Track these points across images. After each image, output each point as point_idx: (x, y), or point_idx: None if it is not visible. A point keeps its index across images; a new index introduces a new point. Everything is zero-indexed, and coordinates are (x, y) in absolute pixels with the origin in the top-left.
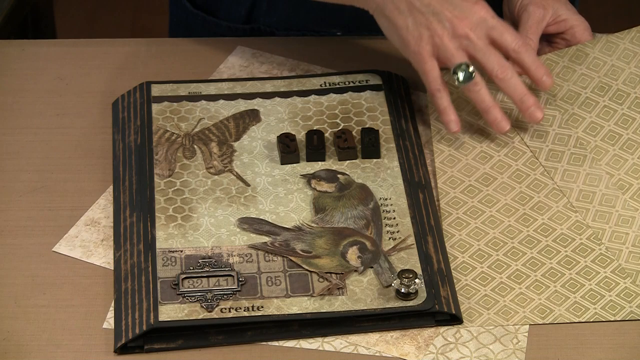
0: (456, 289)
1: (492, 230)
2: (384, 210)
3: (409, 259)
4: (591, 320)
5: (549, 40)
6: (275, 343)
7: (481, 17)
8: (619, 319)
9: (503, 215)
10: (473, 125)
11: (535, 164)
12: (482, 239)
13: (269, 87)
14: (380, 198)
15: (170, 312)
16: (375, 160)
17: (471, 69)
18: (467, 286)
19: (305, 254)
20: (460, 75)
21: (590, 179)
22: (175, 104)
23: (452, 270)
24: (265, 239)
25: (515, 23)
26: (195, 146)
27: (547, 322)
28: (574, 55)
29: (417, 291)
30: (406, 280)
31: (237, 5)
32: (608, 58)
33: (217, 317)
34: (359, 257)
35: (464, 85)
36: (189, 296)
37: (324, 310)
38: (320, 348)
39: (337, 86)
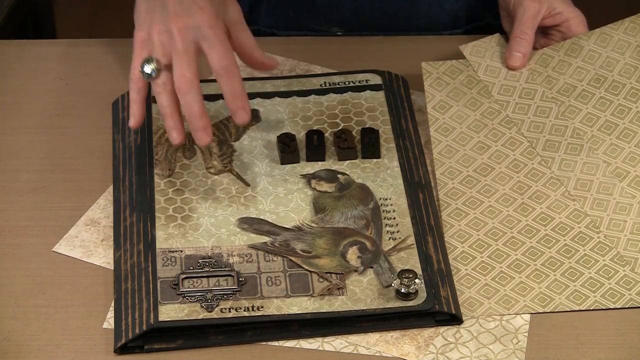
0: (456, 279)
1: (491, 220)
2: (384, 210)
3: (409, 259)
4: (591, 309)
5: (545, 33)
6: (275, 343)
7: (197, 24)
8: (619, 307)
9: (502, 205)
10: (470, 116)
11: (533, 153)
12: (481, 229)
13: (269, 87)
14: (380, 198)
15: (170, 312)
16: (375, 160)
17: (154, 66)
18: (468, 276)
19: (305, 254)
20: (146, 68)
21: (588, 168)
22: None
23: (452, 260)
24: (265, 239)
25: (511, 17)
26: (195, 146)
27: (548, 311)
28: (569, 48)
29: (417, 291)
30: (406, 280)
31: None
32: (603, 50)
33: (217, 317)
34: (359, 257)
35: (151, 82)
36: (189, 296)
37: (324, 310)
38: (320, 348)
39: (337, 86)
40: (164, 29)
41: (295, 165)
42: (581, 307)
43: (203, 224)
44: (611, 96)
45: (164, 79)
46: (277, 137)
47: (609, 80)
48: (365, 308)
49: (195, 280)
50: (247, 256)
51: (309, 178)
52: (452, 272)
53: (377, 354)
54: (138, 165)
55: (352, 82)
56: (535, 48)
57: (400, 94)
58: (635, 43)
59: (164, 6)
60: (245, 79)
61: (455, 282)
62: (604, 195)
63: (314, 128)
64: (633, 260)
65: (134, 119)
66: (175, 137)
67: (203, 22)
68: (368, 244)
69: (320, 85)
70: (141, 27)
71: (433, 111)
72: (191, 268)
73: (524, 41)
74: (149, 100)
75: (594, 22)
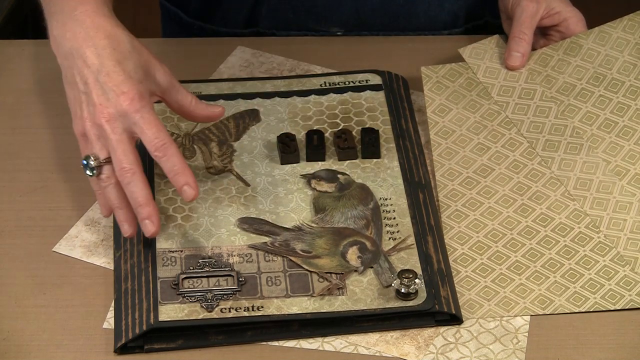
0: (456, 281)
1: (491, 221)
2: (384, 210)
3: (409, 259)
4: (592, 310)
5: (544, 33)
6: (275, 343)
7: (123, 111)
8: (619, 308)
9: (502, 207)
10: (470, 118)
11: (533, 154)
12: (481, 230)
13: (269, 87)
14: (380, 198)
15: (170, 312)
16: (375, 160)
17: (92, 164)
18: (468, 277)
19: (305, 254)
20: (86, 170)
21: (587, 167)
22: None
23: (452, 262)
24: (265, 239)
25: (509, 18)
26: (195, 146)
27: (548, 313)
28: (568, 47)
29: (417, 291)
30: (406, 280)
31: (235, 11)
32: (602, 48)
33: (217, 317)
34: (359, 257)
35: (93, 179)
36: (189, 296)
37: (324, 310)
38: (320, 348)
39: (337, 86)
40: (94, 123)
41: (295, 165)
42: (581, 309)
43: (203, 224)
44: (610, 94)
45: (106, 173)
46: (277, 137)
47: (608, 78)
48: (365, 308)
49: (195, 280)
50: (247, 256)
51: (309, 178)
52: (452, 274)
53: (377, 354)
54: None
55: (352, 82)
56: (534, 48)
57: (400, 94)
58: (634, 41)
59: (88, 95)
60: (245, 79)
61: (455, 284)
62: (603, 194)
63: (314, 128)
64: (633, 260)
65: (106, 212)
66: (127, 229)
67: (128, 108)
68: (368, 244)
69: (320, 85)
70: (75, 119)
71: (433, 115)
72: (191, 268)
73: (523, 41)
74: None
75: (594, 22)
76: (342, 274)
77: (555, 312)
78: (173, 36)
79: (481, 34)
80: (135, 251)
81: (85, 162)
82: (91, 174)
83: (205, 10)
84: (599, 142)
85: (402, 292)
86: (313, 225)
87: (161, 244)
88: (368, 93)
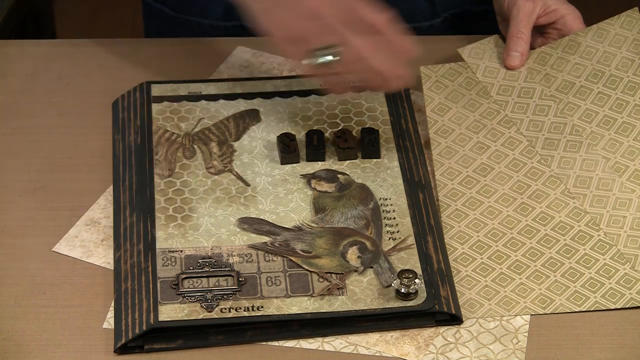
0: (456, 280)
1: (491, 221)
2: (384, 210)
3: (409, 259)
4: (592, 309)
5: (542, 32)
6: (275, 343)
7: None
8: (619, 307)
9: (501, 206)
10: (469, 117)
11: (532, 152)
12: (481, 230)
13: (269, 87)
14: (380, 198)
15: (170, 312)
16: (375, 160)
17: (333, 50)
18: (468, 277)
19: (305, 254)
20: (322, 59)
21: (587, 165)
22: (175, 103)
23: (452, 262)
24: (265, 239)
25: (506, 19)
26: (195, 146)
27: (548, 312)
28: (566, 45)
29: (417, 291)
30: (406, 280)
31: (212, 3)
32: (600, 45)
33: (217, 317)
34: (359, 257)
35: (339, 64)
36: (189, 296)
37: (324, 310)
38: (320, 348)
39: None
40: (308, 14)
41: (295, 165)
42: (582, 308)
43: (203, 224)
44: (609, 91)
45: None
46: (277, 137)
47: (606, 75)
48: (365, 308)
49: (195, 280)
50: (247, 256)
51: (309, 178)
52: (452, 274)
53: (377, 354)
54: (138, 165)
55: (352, 82)
56: (532, 47)
57: (400, 94)
58: (631, 37)
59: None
60: (245, 79)
61: (455, 284)
62: (603, 192)
63: (314, 128)
64: (633, 258)
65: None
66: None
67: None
68: (368, 244)
69: (320, 85)
70: (277, 27)
71: (432, 114)
72: (191, 268)
73: (521, 40)
74: (149, 100)
75: (594, 22)
76: (342, 274)
77: (556, 312)
78: (156, 34)
79: (460, 24)
80: (135, 251)
81: (322, 54)
82: (331, 62)
83: (185, 2)
84: (598, 139)
85: (402, 292)
86: (313, 225)
87: (161, 244)
88: (368, 93)
